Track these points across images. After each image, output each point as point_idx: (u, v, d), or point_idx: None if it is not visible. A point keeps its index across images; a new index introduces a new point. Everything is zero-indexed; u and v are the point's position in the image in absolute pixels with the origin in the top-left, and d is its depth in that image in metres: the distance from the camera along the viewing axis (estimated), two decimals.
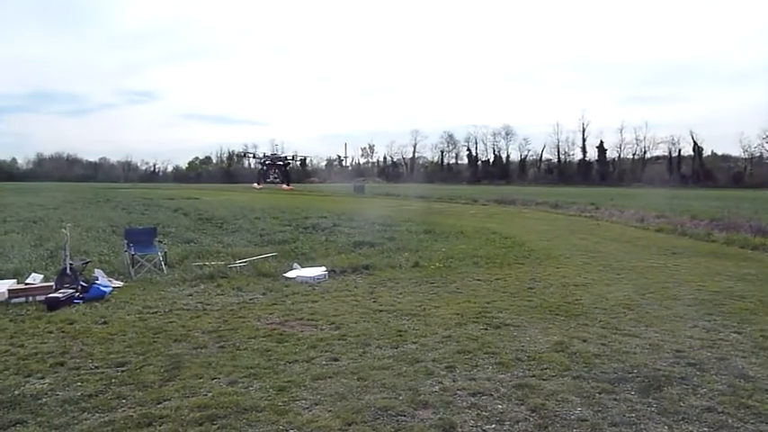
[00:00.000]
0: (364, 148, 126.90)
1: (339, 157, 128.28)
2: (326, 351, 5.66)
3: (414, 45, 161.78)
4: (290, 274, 9.62)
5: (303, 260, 10.91)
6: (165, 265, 10.06)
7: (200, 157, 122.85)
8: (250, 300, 7.98)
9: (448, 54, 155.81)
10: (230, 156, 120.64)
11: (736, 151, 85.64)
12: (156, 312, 7.22)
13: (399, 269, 10.46)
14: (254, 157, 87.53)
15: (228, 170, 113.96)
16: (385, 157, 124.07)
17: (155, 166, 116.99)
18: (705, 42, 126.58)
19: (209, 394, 4.53)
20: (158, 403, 4.37)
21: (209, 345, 5.87)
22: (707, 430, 3.96)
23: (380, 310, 7.36)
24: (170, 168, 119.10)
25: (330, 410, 4.25)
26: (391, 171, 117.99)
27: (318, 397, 4.50)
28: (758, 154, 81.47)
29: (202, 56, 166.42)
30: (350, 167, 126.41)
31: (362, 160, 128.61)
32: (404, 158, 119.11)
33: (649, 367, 5.20)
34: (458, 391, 4.62)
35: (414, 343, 5.95)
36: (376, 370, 5.10)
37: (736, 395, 4.55)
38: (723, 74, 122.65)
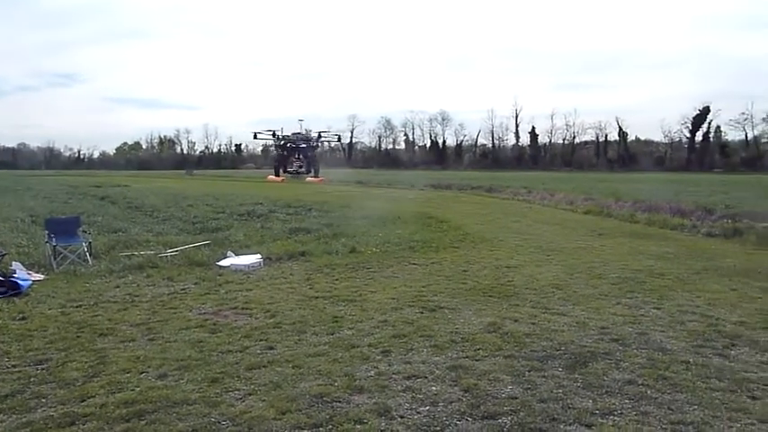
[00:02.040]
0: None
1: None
2: (261, 340, 5.58)
3: (350, 29, 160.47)
4: (223, 263, 9.41)
5: (237, 248, 10.68)
6: (91, 256, 9.61)
7: (130, 143, 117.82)
8: (182, 290, 7.75)
9: (384, 39, 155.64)
10: (161, 141, 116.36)
11: (657, 136, 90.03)
12: (80, 306, 6.89)
13: (336, 255, 10.42)
14: (274, 136, 59.50)
15: (160, 156, 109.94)
16: (322, 143, 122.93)
17: (80, 152, 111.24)
18: (630, 33, 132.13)
19: (137, 389, 4.37)
20: (82, 401, 4.18)
21: (138, 338, 5.66)
22: (628, 402, 4.15)
23: (316, 297, 7.31)
24: (96, 154, 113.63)
25: (264, 400, 4.19)
26: (328, 156, 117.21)
27: (252, 387, 4.42)
28: (677, 139, 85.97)
29: (131, 37, 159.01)
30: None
31: None
32: (341, 143, 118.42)
33: (576, 344, 5.41)
34: (393, 375, 4.66)
35: (350, 329, 5.95)
36: (311, 357, 5.07)
37: (654, 368, 4.80)
38: (646, 63, 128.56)
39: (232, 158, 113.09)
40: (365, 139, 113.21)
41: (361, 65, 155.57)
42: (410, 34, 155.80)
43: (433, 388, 4.41)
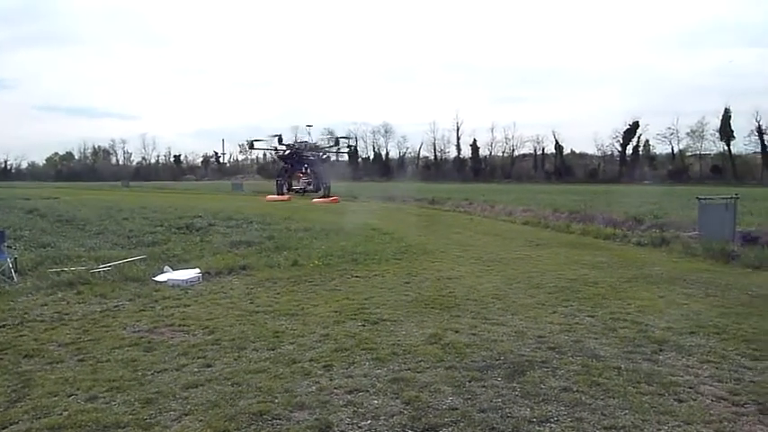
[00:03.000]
0: (242, 145, 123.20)
1: (216, 153, 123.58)
2: (199, 357, 5.42)
3: (294, 39, 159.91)
4: (160, 278, 9.11)
5: (175, 262, 10.38)
6: (16, 272, 9.10)
7: (61, 153, 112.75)
8: (115, 307, 7.44)
9: (327, 51, 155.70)
10: (95, 151, 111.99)
11: (591, 149, 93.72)
12: (3, 326, 6.50)
13: (278, 268, 10.28)
14: (280, 143, 48.03)
15: (94, 167, 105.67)
16: (264, 154, 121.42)
17: (6, 162, 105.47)
18: (565, 50, 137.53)
19: (65, 413, 4.15)
20: (2, 428, 3.93)
21: (67, 359, 5.39)
22: (564, 409, 4.27)
23: (257, 312, 7.18)
24: (25, 165, 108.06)
25: (201, 420, 4.06)
26: (270, 168, 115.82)
27: (189, 407, 4.28)
28: (609, 152, 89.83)
29: (62, 42, 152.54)
30: (228, 164, 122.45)
31: (241, 157, 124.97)
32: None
33: (515, 353, 5.53)
34: (335, 390, 4.62)
35: (291, 343, 5.87)
36: (251, 374, 4.96)
37: (588, 374, 4.96)
38: (581, 79, 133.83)
39: (171, 170, 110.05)
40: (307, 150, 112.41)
41: (305, 75, 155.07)
42: (354, 45, 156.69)
43: (375, 401, 4.40)
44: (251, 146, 57.48)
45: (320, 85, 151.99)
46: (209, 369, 5.11)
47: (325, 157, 48.37)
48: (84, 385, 4.70)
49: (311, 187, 42.64)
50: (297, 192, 42.39)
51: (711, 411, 4.20)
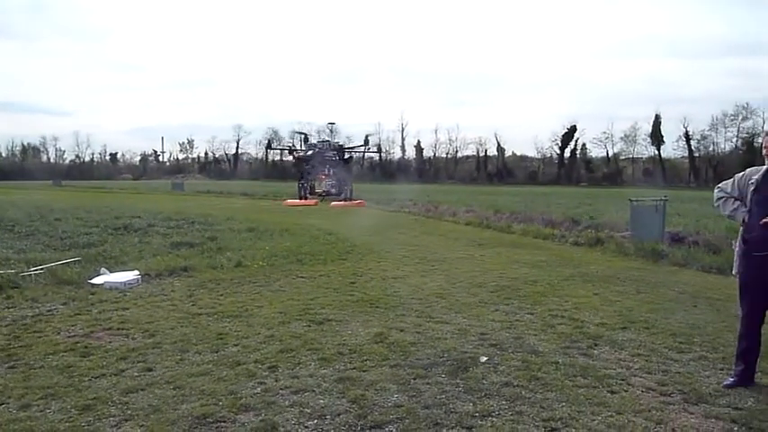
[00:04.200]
0: (183, 143, 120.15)
1: (155, 151, 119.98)
2: (139, 361, 5.28)
3: (237, 37, 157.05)
4: (96, 281, 8.78)
5: (112, 264, 10.03)
6: None
7: None
8: (48, 311, 7.13)
9: (271, 49, 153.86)
10: (24, 148, 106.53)
11: (531, 152, 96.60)
12: None
13: (221, 269, 10.11)
14: (306, 142, 45.88)
15: (23, 165, 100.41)
16: (206, 153, 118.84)
17: None
18: (507, 55, 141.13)
19: None
20: None
21: None
22: (505, 403, 4.41)
23: (200, 314, 7.05)
24: None
25: (142, 425, 3.97)
26: (213, 167, 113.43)
27: (128, 412, 4.17)
28: (549, 155, 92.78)
29: None
30: (168, 163, 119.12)
31: (181, 156, 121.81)
32: (226, 154, 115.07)
33: (458, 350, 5.65)
34: (280, 391, 4.60)
35: (235, 345, 5.80)
36: (194, 377, 4.88)
37: (528, 369, 5.13)
38: (522, 84, 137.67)
39: (107, 168, 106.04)
40: (252, 149, 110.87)
41: (248, 74, 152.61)
42: (299, 45, 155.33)
43: (321, 401, 4.41)
44: (269, 146, 53.79)
45: (263, 85, 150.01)
46: (150, 373, 4.98)
47: (348, 157, 44.48)
48: (16, 393, 4.49)
49: (335, 190, 38.95)
50: (320, 195, 38.40)
51: (641, 401, 4.43)
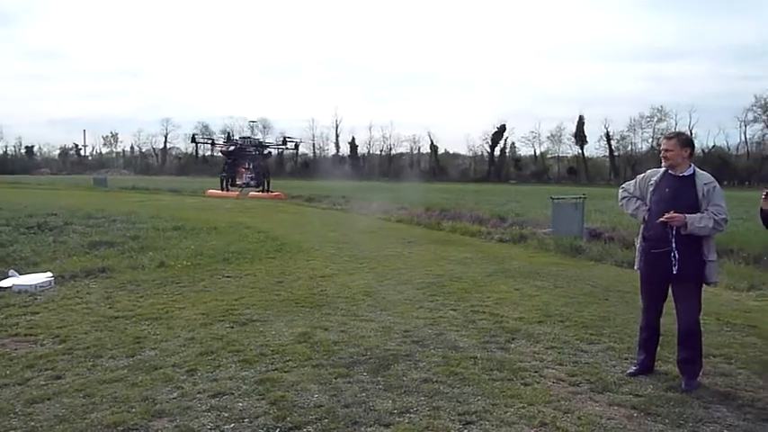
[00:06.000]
0: (107, 137, 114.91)
1: (76, 145, 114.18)
2: (47, 369, 5.03)
3: (165, 27, 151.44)
4: (3, 284, 8.28)
5: (23, 266, 9.48)
6: None
7: None
8: None
9: (202, 40, 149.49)
10: None
11: (463, 150, 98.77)
12: None
13: (142, 270, 9.76)
14: (229, 140, 49.07)
15: None
16: (132, 147, 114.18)
17: None
18: (439, 53, 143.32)
19: None
20: None
21: None
22: (423, 399, 4.50)
23: (117, 317, 6.78)
24: None
25: None
26: (139, 162, 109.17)
27: (32, 424, 3.97)
28: (480, 153, 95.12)
29: None
30: (90, 157, 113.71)
31: (105, 150, 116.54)
32: (154, 149, 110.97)
33: (381, 348, 5.72)
34: (198, 395, 4.51)
35: (153, 349, 5.63)
36: (107, 384, 4.70)
37: (448, 365, 5.26)
38: (453, 83, 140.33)
39: (22, 162, 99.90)
40: (180, 144, 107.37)
41: (176, 65, 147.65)
42: (231, 36, 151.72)
43: (240, 404, 4.36)
44: (193, 139, 61.02)
45: (193, 78, 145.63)
46: (59, 381, 4.76)
47: (267, 152, 48.48)
48: None
49: (254, 182, 42.66)
50: (240, 187, 42.24)
51: (551, 392, 4.64)
